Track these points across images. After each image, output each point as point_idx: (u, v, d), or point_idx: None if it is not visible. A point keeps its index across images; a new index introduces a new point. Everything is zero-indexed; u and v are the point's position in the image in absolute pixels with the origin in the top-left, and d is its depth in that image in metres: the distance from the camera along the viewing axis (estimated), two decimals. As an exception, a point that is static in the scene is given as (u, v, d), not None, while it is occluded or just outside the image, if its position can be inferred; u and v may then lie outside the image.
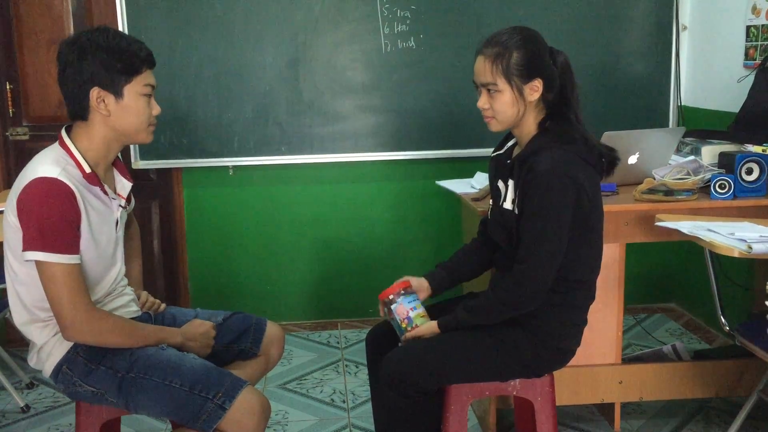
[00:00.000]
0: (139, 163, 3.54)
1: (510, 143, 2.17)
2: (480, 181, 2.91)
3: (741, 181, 2.53)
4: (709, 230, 2.23)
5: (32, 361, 1.99)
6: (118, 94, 1.88)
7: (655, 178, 2.59)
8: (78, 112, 1.90)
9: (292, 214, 3.82)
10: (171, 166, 3.65)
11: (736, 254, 2.10)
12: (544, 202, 1.91)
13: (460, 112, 3.63)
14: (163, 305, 2.19)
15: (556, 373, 2.16)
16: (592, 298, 2.12)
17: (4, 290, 2.02)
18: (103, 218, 1.93)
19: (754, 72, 2.99)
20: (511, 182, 2.04)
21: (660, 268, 4.01)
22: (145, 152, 3.58)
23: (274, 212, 3.82)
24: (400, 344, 2.11)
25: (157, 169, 3.71)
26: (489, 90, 2.00)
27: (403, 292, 2.12)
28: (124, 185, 2.03)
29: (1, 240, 2.01)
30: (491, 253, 2.24)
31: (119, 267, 2.03)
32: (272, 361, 2.25)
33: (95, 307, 1.87)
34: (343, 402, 3.07)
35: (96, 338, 1.86)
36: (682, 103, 3.75)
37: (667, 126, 3.74)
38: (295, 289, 3.91)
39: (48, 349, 1.93)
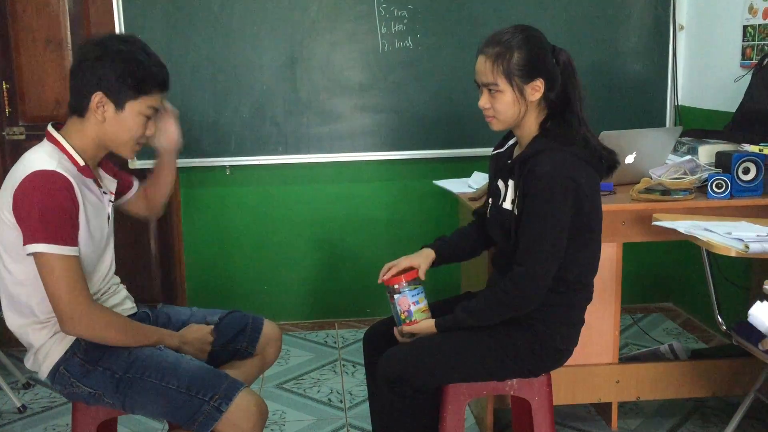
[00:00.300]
0: (135, 163, 3.52)
1: (511, 142, 2.17)
2: (477, 180, 2.91)
3: (738, 181, 2.53)
4: (706, 230, 2.23)
5: (29, 363, 1.98)
6: (119, 106, 1.88)
7: (652, 178, 2.59)
8: (77, 107, 1.90)
9: (289, 214, 3.82)
10: (168, 165, 3.64)
11: (733, 254, 2.11)
12: (545, 204, 1.91)
13: (458, 111, 3.63)
14: None
15: (553, 373, 2.16)
16: (590, 298, 2.12)
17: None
18: (98, 211, 1.94)
19: (751, 71, 2.99)
20: (511, 182, 2.04)
21: (657, 267, 4.02)
22: (142, 152, 3.51)
23: (271, 212, 3.81)
24: (395, 329, 2.11)
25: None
26: (490, 90, 1.99)
27: (409, 283, 2.11)
28: (110, 181, 2.04)
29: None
30: (486, 242, 2.26)
31: (110, 262, 2.03)
32: (269, 361, 2.24)
33: (94, 301, 1.87)
34: (341, 402, 3.07)
35: (94, 332, 1.85)
36: (679, 103, 3.75)
37: (664, 125, 3.75)
38: (293, 288, 3.90)
39: (45, 350, 1.92)
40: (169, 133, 2.14)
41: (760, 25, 3.14)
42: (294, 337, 3.76)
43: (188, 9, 3.49)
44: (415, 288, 2.11)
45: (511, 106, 1.98)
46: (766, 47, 3.09)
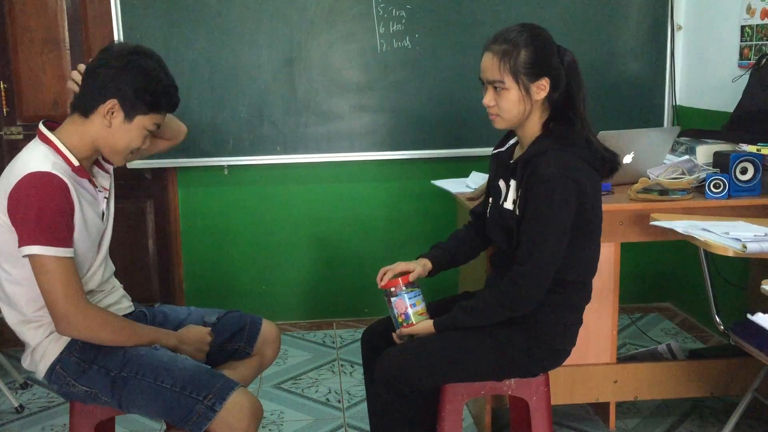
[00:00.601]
0: (133, 163, 3.52)
1: (512, 141, 2.16)
2: (475, 180, 2.91)
3: (735, 181, 2.53)
4: (704, 229, 2.23)
5: (26, 362, 1.98)
6: (129, 117, 1.90)
7: (650, 178, 2.59)
8: (85, 107, 1.89)
9: (287, 214, 3.82)
10: (166, 165, 3.64)
11: (730, 253, 2.11)
12: (547, 204, 1.90)
13: (456, 111, 3.63)
14: None
15: (551, 373, 2.16)
16: (589, 298, 2.12)
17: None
18: (93, 211, 1.93)
19: (749, 72, 3.00)
20: (513, 182, 2.03)
21: (655, 267, 4.02)
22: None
23: (269, 212, 3.81)
24: (394, 334, 2.11)
25: (151, 168, 3.70)
26: (495, 87, 1.98)
27: (406, 285, 2.11)
28: (104, 177, 2.04)
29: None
30: (483, 243, 2.26)
31: (107, 260, 2.03)
32: (267, 361, 2.24)
33: (89, 301, 1.87)
34: (339, 402, 3.07)
35: (89, 332, 1.85)
36: (677, 103, 3.76)
37: (662, 125, 3.75)
38: (291, 288, 3.90)
39: (42, 350, 1.92)
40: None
41: (757, 25, 3.15)
42: (292, 336, 3.76)
43: (186, 9, 3.48)
44: (412, 290, 2.11)
45: (517, 104, 1.97)
46: (763, 47, 3.10)
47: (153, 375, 1.87)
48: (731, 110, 3.00)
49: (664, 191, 2.52)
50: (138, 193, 3.77)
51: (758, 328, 1.92)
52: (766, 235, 2.15)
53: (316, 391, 3.17)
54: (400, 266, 2.18)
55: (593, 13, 3.66)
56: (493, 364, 2.05)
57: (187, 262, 3.83)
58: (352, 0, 3.55)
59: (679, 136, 2.92)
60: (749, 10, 3.19)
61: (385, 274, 2.17)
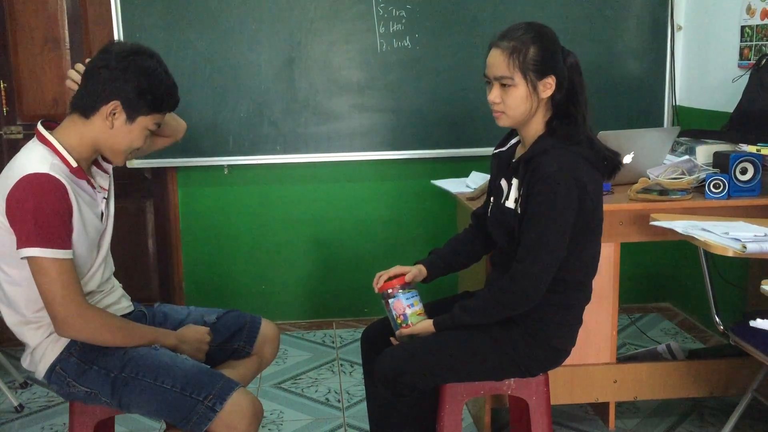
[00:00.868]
0: (133, 162, 3.52)
1: (513, 140, 2.16)
2: (475, 180, 2.91)
3: (735, 181, 2.53)
4: (704, 230, 2.23)
5: (26, 362, 1.98)
6: (131, 118, 1.89)
7: (649, 178, 2.59)
8: (85, 108, 1.89)
9: (287, 214, 3.82)
10: (166, 165, 3.64)
11: (730, 254, 2.11)
12: (549, 203, 1.90)
13: (456, 111, 3.63)
14: None
15: (550, 373, 2.16)
16: (588, 298, 2.12)
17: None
18: (92, 211, 1.93)
19: (749, 72, 3.00)
20: (515, 181, 2.03)
21: (655, 267, 4.02)
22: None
23: (269, 211, 3.81)
24: (395, 335, 2.11)
25: (151, 168, 3.70)
26: (503, 84, 1.97)
27: (403, 287, 2.11)
28: (102, 177, 2.04)
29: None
30: (483, 246, 2.25)
31: (107, 260, 2.03)
32: (266, 360, 2.24)
33: (88, 303, 1.86)
34: (338, 401, 3.07)
35: (88, 334, 1.85)
36: (677, 103, 3.76)
37: (662, 125, 3.75)
38: (290, 288, 3.90)
39: (41, 350, 1.92)
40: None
41: (757, 25, 3.15)
42: (292, 336, 3.76)
43: (186, 9, 3.48)
44: (409, 291, 2.11)
45: (524, 101, 1.97)
46: (763, 48, 3.10)
47: (153, 375, 1.87)
48: (731, 110, 3.00)
49: (664, 191, 2.52)
50: (138, 192, 3.77)
51: (758, 328, 1.92)
52: (765, 235, 2.15)
53: (316, 391, 3.17)
54: (396, 270, 2.18)
55: (593, 13, 3.66)
56: (493, 363, 2.05)
57: (187, 262, 3.83)
58: (352, 0, 3.55)
59: (679, 136, 2.92)
60: (749, 10, 3.19)
61: (380, 277, 2.17)
